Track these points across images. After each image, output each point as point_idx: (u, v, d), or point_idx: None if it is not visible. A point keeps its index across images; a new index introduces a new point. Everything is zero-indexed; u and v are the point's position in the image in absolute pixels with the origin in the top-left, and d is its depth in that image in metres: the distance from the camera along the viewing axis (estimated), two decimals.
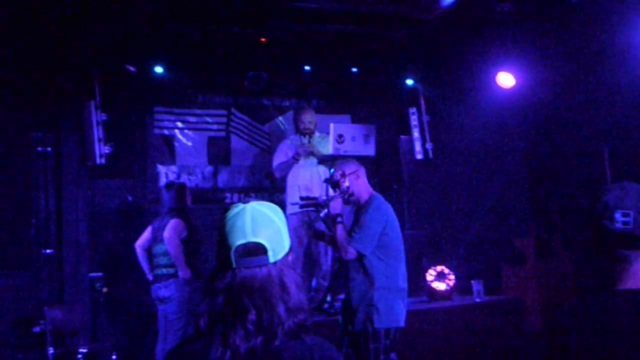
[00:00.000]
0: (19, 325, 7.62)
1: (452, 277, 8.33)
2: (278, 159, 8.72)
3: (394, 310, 5.36)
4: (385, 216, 5.48)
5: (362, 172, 5.75)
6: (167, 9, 7.32)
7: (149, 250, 7.27)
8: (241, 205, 2.32)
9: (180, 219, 7.12)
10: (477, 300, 8.12)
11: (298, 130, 8.78)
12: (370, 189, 5.79)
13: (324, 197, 7.61)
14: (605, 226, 2.57)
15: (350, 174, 5.59)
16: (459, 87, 9.28)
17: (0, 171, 7.69)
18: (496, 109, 8.83)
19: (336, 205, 5.43)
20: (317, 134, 8.70)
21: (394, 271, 5.42)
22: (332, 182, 5.64)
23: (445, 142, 9.35)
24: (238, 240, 2.23)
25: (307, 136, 8.62)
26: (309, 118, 8.67)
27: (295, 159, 8.44)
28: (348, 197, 5.54)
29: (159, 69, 8.49)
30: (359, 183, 5.63)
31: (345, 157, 8.18)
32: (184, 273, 6.98)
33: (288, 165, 8.52)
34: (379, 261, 5.39)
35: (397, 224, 5.59)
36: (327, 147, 8.17)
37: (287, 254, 2.31)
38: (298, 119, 8.78)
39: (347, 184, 5.51)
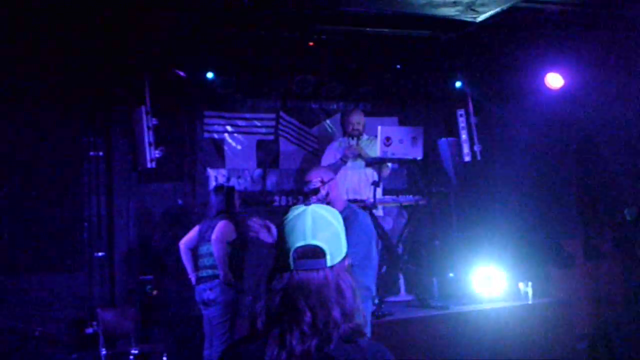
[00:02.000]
0: (73, 326, 7.75)
1: (500, 279, 8.27)
2: (326, 161, 8.74)
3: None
4: (372, 230, 5.34)
5: (337, 180, 5.72)
6: (216, 15, 7.38)
7: (193, 250, 7.30)
8: (302, 207, 2.34)
9: (229, 221, 7.16)
10: (526, 302, 8.04)
11: (346, 132, 8.79)
12: (344, 199, 5.76)
13: (371, 199, 7.68)
14: None
15: (329, 181, 5.54)
16: (507, 88, 9.21)
17: (53, 176, 7.83)
18: (544, 110, 8.74)
19: None
20: (365, 137, 8.71)
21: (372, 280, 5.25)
22: (311, 190, 5.54)
23: (493, 143, 9.29)
24: (298, 242, 2.25)
25: (355, 138, 8.63)
26: (357, 119, 8.68)
27: (343, 161, 8.46)
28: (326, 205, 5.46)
29: (209, 75, 8.58)
30: (336, 191, 5.58)
31: (393, 160, 8.24)
32: (224, 276, 7.00)
33: (336, 168, 8.54)
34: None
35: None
36: (375, 149, 8.16)
37: (343, 259, 2.32)
38: (346, 120, 8.80)
39: (325, 191, 5.46)
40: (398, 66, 9.37)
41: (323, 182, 5.53)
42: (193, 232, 7.37)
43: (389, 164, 8.56)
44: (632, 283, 8.20)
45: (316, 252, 2.25)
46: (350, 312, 2.23)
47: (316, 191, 5.45)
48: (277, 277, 2.25)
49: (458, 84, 9.46)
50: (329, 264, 2.26)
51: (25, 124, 7.68)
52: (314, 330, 2.16)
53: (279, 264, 2.28)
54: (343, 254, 2.32)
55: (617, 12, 7.36)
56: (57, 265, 7.77)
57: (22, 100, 7.64)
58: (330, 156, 8.74)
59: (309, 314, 2.17)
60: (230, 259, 7.05)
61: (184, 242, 7.36)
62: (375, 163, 8.31)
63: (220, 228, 7.05)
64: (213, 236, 7.00)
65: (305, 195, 5.46)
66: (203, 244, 7.20)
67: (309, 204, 2.36)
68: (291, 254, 2.24)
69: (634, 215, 8.01)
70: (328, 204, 5.44)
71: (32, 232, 7.62)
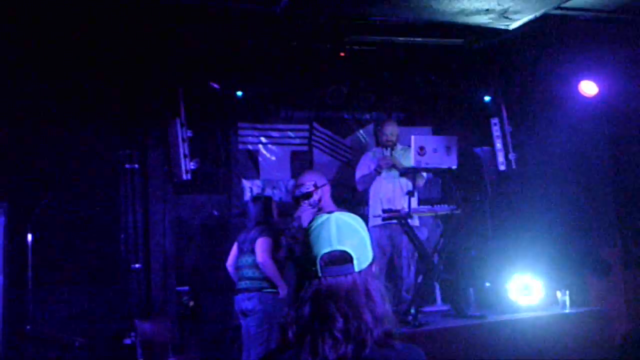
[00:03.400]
0: (111, 337, 7.81)
1: (537, 287, 8.21)
2: (360, 171, 8.75)
3: None
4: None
5: (329, 187, 5.68)
6: (249, 26, 7.44)
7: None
8: (325, 216, 2.35)
9: (269, 237, 7.13)
10: (563, 311, 7.97)
11: (380, 143, 8.79)
12: (333, 204, 5.72)
13: (406, 209, 7.66)
14: None
15: (322, 186, 5.50)
16: (541, 96, 9.15)
17: (89, 188, 7.91)
18: (579, 118, 8.68)
19: (307, 217, 5.29)
20: (399, 147, 8.70)
21: None
22: (303, 194, 5.49)
23: (528, 152, 9.24)
24: (324, 249, 2.26)
25: (388, 148, 8.62)
26: (390, 130, 8.67)
27: (377, 171, 8.47)
28: (318, 211, 5.42)
29: (238, 93, 8.66)
30: (327, 197, 5.54)
31: (427, 169, 8.22)
32: (283, 291, 7.03)
33: (370, 178, 8.55)
34: None
35: None
36: (409, 159, 8.15)
37: (371, 264, 2.32)
38: (380, 131, 8.80)
39: (318, 196, 5.41)
40: (431, 75, 9.36)
41: (316, 187, 5.52)
42: (234, 250, 7.40)
43: (424, 174, 8.55)
44: None
45: (343, 258, 2.26)
46: (381, 317, 2.24)
47: (309, 195, 5.41)
48: (305, 286, 2.26)
49: (491, 93, 9.43)
50: (356, 269, 2.26)
51: (63, 138, 7.78)
52: (347, 336, 2.16)
53: (307, 272, 2.28)
54: (370, 260, 2.33)
55: None
56: (95, 277, 7.84)
57: (59, 115, 7.75)
58: (364, 167, 8.74)
59: (340, 319, 2.17)
60: (281, 272, 7.09)
61: (229, 264, 7.40)
62: (409, 173, 8.30)
63: (264, 247, 7.05)
64: (259, 258, 7.00)
65: (296, 199, 5.38)
66: (242, 255, 7.24)
67: (332, 213, 2.37)
68: (318, 261, 2.25)
69: None
70: (319, 210, 5.43)
71: (70, 245, 7.70)
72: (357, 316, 2.19)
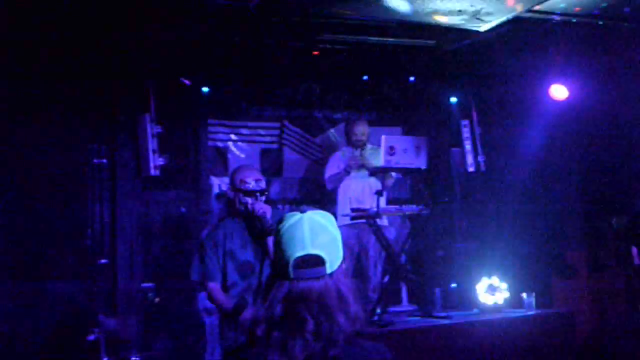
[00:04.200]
0: (75, 333, 7.74)
1: (502, 289, 8.26)
2: (330, 170, 8.74)
3: None
4: None
5: None
6: (221, 23, 7.40)
7: None
8: (298, 215, 2.34)
9: None
10: (528, 313, 8.03)
11: (350, 142, 8.79)
12: None
13: (375, 209, 7.67)
14: None
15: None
16: (511, 99, 9.21)
17: (56, 182, 7.82)
18: (549, 121, 8.74)
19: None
20: (368, 146, 8.70)
21: None
22: (262, 189, 5.40)
23: (497, 154, 9.29)
24: (297, 252, 2.25)
25: (358, 148, 8.62)
26: (360, 130, 8.67)
27: (347, 171, 8.46)
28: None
29: (210, 83, 8.58)
30: None
31: (397, 169, 8.23)
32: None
33: (339, 178, 8.55)
34: None
35: None
36: (379, 159, 8.16)
37: (342, 263, 2.33)
38: (350, 130, 8.79)
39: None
40: (403, 76, 9.37)
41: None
42: None
43: (393, 174, 8.56)
44: (629, 295, 8.20)
45: (316, 261, 2.25)
46: (354, 316, 2.24)
47: (265, 191, 5.39)
48: (276, 286, 2.25)
49: (461, 94, 9.48)
50: (328, 271, 2.26)
51: (29, 131, 7.69)
52: (317, 337, 2.17)
53: (278, 272, 2.28)
54: (341, 258, 2.34)
55: (622, 22, 7.36)
56: (60, 272, 7.76)
57: (25, 107, 7.66)
58: (333, 166, 8.73)
59: (311, 321, 2.18)
60: None
61: None
62: (378, 172, 8.31)
63: None
64: None
65: (250, 193, 5.29)
66: None
67: (305, 211, 2.36)
68: (291, 263, 2.24)
69: (622, 224, 8.01)
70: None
71: (34, 239, 7.61)
72: (329, 319, 2.19)
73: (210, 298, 5.37)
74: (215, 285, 5.26)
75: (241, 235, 5.33)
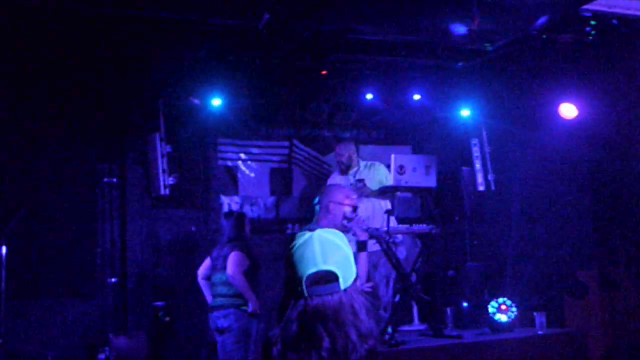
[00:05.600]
0: (85, 351, 7.73)
1: (514, 309, 8.22)
2: None
3: None
4: None
5: None
6: (231, 43, 7.44)
7: (209, 279, 7.32)
8: (308, 234, 2.34)
9: (241, 251, 7.14)
10: (540, 332, 7.98)
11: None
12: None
13: (385, 228, 7.65)
14: None
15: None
16: (521, 118, 9.20)
17: (67, 201, 7.86)
18: (559, 140, 8.72)
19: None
20: (362, 165, 8.60)
21: None
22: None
23: (507, 173, 9.27)
24: (309, 269, 2.25)
25: (346, 174, 8.46)
26: (340, 151, 8.58)
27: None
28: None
29: (219, 102, 8.56)
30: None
31: (406, 189, 8.20)
32: (254, 305, 7.01)
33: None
34: None
35: None
36: (374, 175, 8.14)
37: (355, 280, 2.32)
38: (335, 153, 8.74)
39: None
40: (412, 95, 9.37)
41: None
42: (207, 261, 7.39)
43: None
44: None
45: (329, 277, 2.24)
46: (366, 333, 2.23)
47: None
48: (291, 305, 2.25)
49: (472, 113, 9.47)
50: (342, 287, 2.26)
51: (40, 150, 7.73)
52: (332, 355, 2.16)
53: (292, 292, 2.27)
54: (354, 275, 2.33)
55: (632, 41, 7.37)
56: (70, 291, 7.77)
57: (37, 127, 7.70)
58: None
59: (327, 339, 2.17)
60: (251, 287, 7.06)
61: (200, 272, 7.41)
62: (388, 192, 8.28)
63: (235, 261, 7.04)
64: (229, 271, 7.00)
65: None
66: (215, 272, 7.23)
67: (314, 230, 2.35)
68: (304, 281, 2.23)
69: None
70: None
71: (46, 258, 7.64)
72: (343, 335, 2.19)
73: None
74: None
75: None
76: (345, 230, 5.63)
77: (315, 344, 2.16)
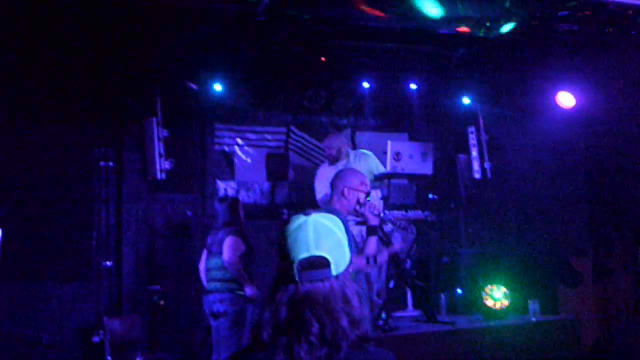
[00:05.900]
0: (80, 334, 7.75)
1: (508, 295, 8.25)
2: (319, 185, 8.54)
3: None
4: None
5: None
6: (229, 28, 7.42)
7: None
8: (302, 218, 2.32)
9: (236, 236, 7.16)
10: (533, 319, 8.01)
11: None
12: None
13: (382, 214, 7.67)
14: None
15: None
16: (518, 106, 9.20)
17: (63, 185, 7.85)
18: (555, 129, 8.73)
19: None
20: (351, 155, 8.58)
21: None
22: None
23: (503, 161, 9.28)
24: (301, 254, 2.23)
25: (333, 164, 8.41)
26: (327, 143, 8.59)
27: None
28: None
29: (218, 87, 8.56)
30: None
31: (402, 176, 8.21)
32: (250, 291, 7.02)
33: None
34: None
35: None
36: (366, 164, 8.14)
37: (348, 266, 2.31)
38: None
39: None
40: (410, 82, 9.36)
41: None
42: (205, 253, 7.39)
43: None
44: (636, 301, 8.17)
45: (321, 263, 2.23)
46: (358, 320, 2.22)
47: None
48: (282, 289, 2.23)
49: (469, 101, 9.46)
50: (334, 273, 2.24)
51: (36, 134, 7.72)
52: (322, 341, 2.15)
53: (283, 275, 2.26)
54: (347, 262, 2.31)
55: (630, 30, 7.36)
56: (65, 274, 7.78)
57: (33, 110, 7.69)
58: (322, 179, 8.36)
59: (316, 325, 2.15)
60: (247, 272, 7.07)
61: (201, 267, 7.42)
62: (384, 179, 8.28)
63: (231, 245, 7.05)
64: (225, 256, 7.01)
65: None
66: (211, 257, 7.22)
67: (309, 214, 2.35)
68: (295, 265, 2.22)
69: None
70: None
71: (41, 241, 7.64)
72: (333, 322, 2.17)
73: None
74: None
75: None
76: (357, 215, 5.77)
77: (305, 330, 2.15)
